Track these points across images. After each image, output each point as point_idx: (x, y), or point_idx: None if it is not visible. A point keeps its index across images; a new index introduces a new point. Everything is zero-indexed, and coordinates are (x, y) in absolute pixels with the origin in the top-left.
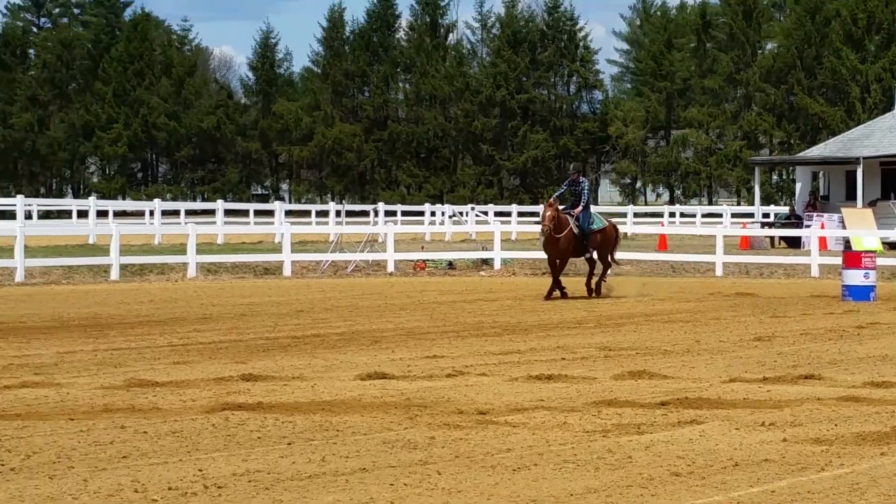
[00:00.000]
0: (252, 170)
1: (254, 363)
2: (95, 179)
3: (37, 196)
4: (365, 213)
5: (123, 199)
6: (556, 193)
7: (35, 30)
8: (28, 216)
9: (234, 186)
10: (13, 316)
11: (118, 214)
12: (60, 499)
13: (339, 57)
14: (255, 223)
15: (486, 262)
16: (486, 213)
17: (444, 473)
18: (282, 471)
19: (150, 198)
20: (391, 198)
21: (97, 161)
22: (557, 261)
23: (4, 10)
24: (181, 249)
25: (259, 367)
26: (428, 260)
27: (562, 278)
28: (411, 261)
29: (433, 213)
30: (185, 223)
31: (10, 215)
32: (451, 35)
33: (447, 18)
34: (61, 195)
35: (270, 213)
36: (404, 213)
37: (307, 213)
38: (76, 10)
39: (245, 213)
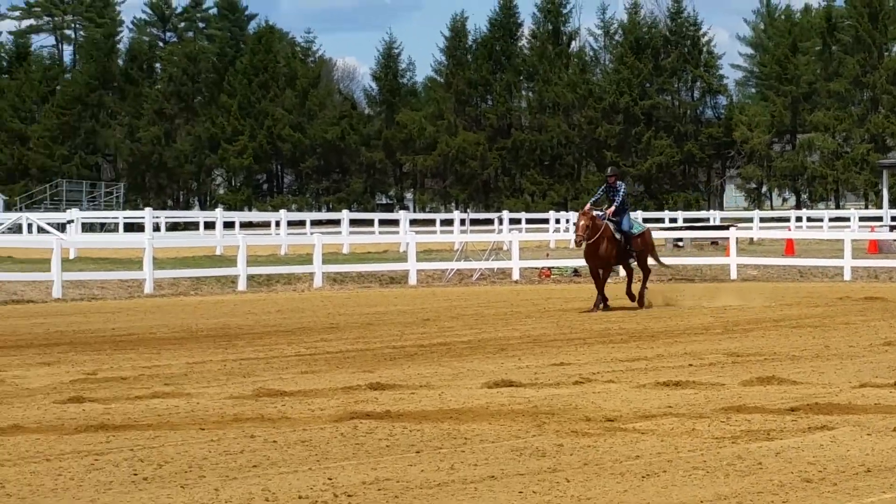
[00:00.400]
0: (376, 179)
1: (381, 372)
2: (222, 191)
3: (164, 208)
4: (489, 222)
5: (249, 210)
6: (592, 199)
7: (161, 44)
8: (156, 228)
9: (358, 196)
10: (143, 327)
11: (244, 225)
12: None
13: (461, 66)
14: (380, 233)
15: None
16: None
17: (572, 481)
18: (411, 479)
19: (275, 209)
20: (515, 206)
21: (223, 173)
22: (601, 270)
23: (131, 26)
24: (307, 259)
25: (386, 376)
26: (553, 267)
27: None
28: (536, 268)
29: (558, 221)
30: (311, 233)
31: (138, 228)
32: (573, 42)
33: (569, 26)
34: (188, 207)
35: (395, 222)
36: (529, 221)
37: (432, 223)
38: (201, 24)
39: (370, 222)
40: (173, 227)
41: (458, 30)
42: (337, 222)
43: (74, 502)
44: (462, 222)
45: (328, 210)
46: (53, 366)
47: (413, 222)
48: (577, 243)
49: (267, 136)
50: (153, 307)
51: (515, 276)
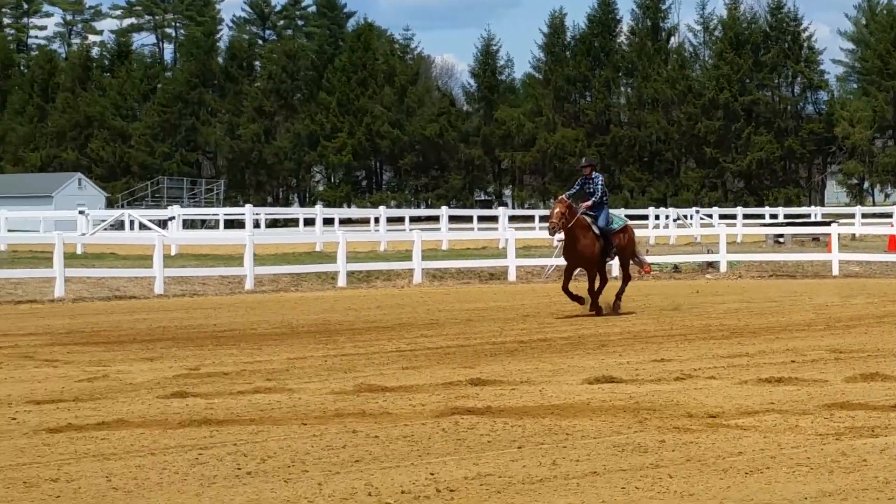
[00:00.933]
0: (475, 176)
1: (482, 368)
2: (321, 188)
3: (264, 205)
4: None
5: (348, 206)
6: (568, 192)
7: (260, 42)
8: (256, 225)
9: (457, 193)
10: (244, 323)
11: (344, 222)
12: (296, 502)
13: (560, 62)
14: (479, 229)
15: (712, 265)
16: (710, 216)
17: (675, 477)
18: (513, 474)
19: (374, 205)
20: (614, 202)
21: (322, 170)
22: (580, 268)
23: (230, 24)
24: (407, 256)
25: (487, 372)
26: (653, 263)
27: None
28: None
29: (657, 217)
30: (410, 230)
31: (238, 224)
32: (672, 38)
33: (668, 22)
34: (288, 204)
35: (494, 218)
36: (628, 217)
37: (530, 219)
38: (300, 22)
39: (468, 219)
40: (273, 223)
41: (556, 26)
42: (436, 219)
43: (179, 496)
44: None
45: (427, 206)
46: (156, 361)
47: (512, 218)
48: (551, 232)
49: (366, 133)
50: (254, 303)
51: (615, 272)
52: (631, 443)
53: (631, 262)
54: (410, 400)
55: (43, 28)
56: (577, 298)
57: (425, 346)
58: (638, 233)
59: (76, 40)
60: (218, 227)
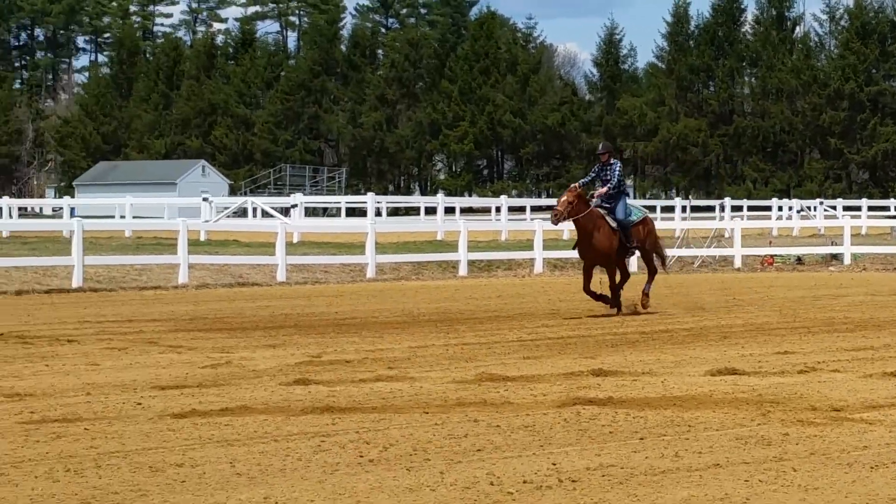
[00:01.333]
0: None
1: (603, 358)
2: (442, 176)
3: (385, 193)
4: (710, 209)
5: (469, 195)
6: (582, 181)
7: (383, 30)
8: (378, 213)
9: None
10: (365, 311)
11: (464, 211)
12: (419, 490)
13: (683, 52)
14: None
15: (836, 258)
16: (834, 208)
17: (799, 470)
18: (635, 465)
19: (495, 194)
20: (737, 193)
21: (444, 158)
22: (597, 265)
23: (354, 12)
24: (527, 245)
25: (608, 363)
26: (776, 255)
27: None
28: (758, 256)
29: (780, 209)
30: (531, 219)
31: (360, 212)
32: (797, 28)
33: (794, 11)
34: (409, 192)
35: None
36: (750, 209)
37: (652, 209)
38: (423, 11)
39: None
40: (394, 211)
41: (680, 15)
42: None
43: (302, 482)
44: (683, 209)
45: (548, 196)
46: (279, 348)
47: None
48: (555, 221)
49: (487, 122)
50: (375, 291)
51: (737, 263)
52: (754, 435)
53: (654, 255)
54: (532, 390)
55: (169, 16)
56: (603, 298)
57: (546, 335)
58: (758, 224)
59: (201, 28)
60: (339, 216)
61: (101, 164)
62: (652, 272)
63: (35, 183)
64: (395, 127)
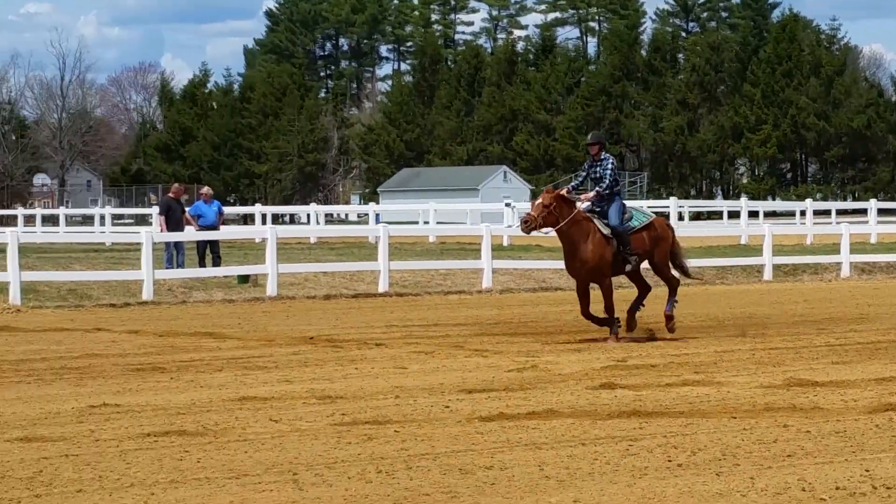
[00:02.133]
0: None
1: None
2: (745, 180)
3: (687, 198)
4: None
5: (773, 199)
6: (573, 183)
7: (684, 34)
8: (680, 217)
9: (885, 185)
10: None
11: (768, 215)
12: (729, 495)
13: None
14: None
15: None
16: None
17: None
18: None
19: (799, 198)
20: None
21: (746, 162)
22: (588, 283)
23: (654, 17)
24: (833, 249)
25: None
26: None
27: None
28: None
29: None
30: (837, 223)
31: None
32: None
33: None
34: (711, 196)
35: None
36: None
37: None
38: (724, 14)
39: None
40: (696, 216)
41: None
42: (863, 211)
43: (611, 486)
44: None
45: (854, 199)
46: (584, 352)
47: None
48: (525, 230)
49: (791, 125)
50: (680, 296)
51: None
52: None
53: (672, 267)
54: (842, 395)
55: (470, 24)
56: (603, 322)
57: (855, 340)
58: None
59: (501, 35)
60: None
61: (404, 171)
62: (672, 287)
63: (340, 190)
64: (697, 131)
